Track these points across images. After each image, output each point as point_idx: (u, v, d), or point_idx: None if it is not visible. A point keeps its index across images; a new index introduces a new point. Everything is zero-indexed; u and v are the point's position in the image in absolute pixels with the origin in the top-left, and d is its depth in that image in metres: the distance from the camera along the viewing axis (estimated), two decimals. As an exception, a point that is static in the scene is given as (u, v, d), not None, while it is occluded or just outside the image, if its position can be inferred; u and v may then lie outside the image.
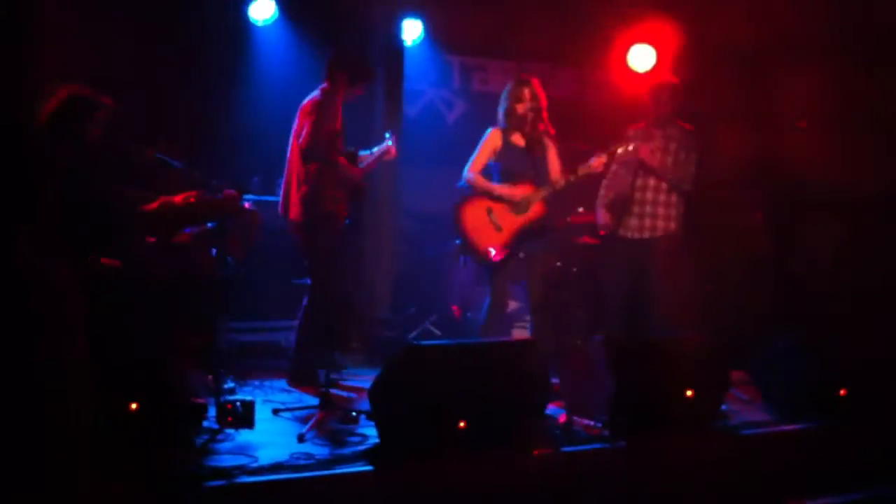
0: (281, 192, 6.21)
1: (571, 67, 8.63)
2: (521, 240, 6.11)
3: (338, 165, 5.94)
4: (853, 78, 7.28)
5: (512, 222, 6.09)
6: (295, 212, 6.05)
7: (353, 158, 6.03)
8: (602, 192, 6.77)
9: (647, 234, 6.60)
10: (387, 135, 6.41)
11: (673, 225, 6.59)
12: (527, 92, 6.13)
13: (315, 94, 6.11)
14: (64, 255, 4.89)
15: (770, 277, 7.29)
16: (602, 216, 6.74)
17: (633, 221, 6.64)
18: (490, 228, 6.08)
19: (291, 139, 6.10)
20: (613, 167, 6.65)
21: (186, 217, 5.54)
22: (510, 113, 6.17)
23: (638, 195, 6.60)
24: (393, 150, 6.37)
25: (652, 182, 6.57)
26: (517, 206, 6.08)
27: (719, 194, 7.37)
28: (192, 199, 5.43)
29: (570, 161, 6.21)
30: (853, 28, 7.34)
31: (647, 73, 7.79)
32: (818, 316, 6.48)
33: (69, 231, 5.02)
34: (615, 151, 6.21)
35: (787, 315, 6.69)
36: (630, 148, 6.25)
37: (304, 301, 6.16)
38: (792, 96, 7.41)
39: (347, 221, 6.01)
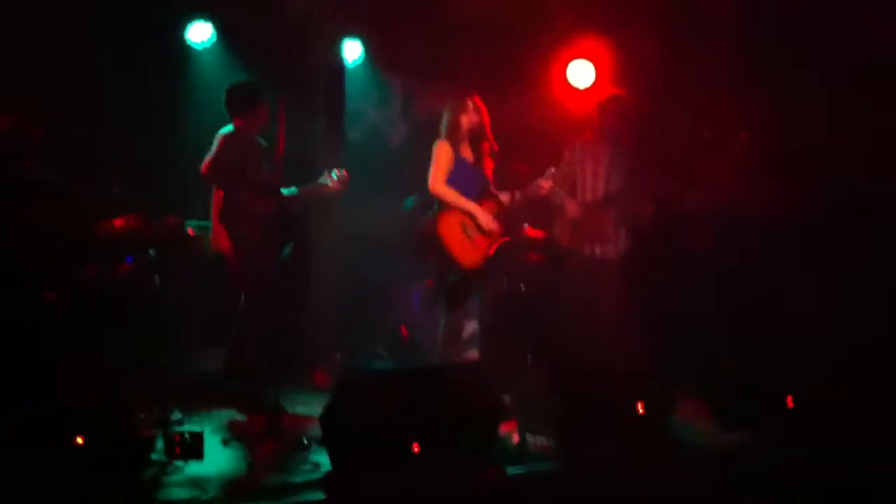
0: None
1: (512, 87, 8.64)
2: (497, 255, 6.10)
3: (237, 197, 6.01)
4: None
5: (483, 239, 6.06)
6: (214, 242, 6.08)
7: (268, 190, 6.00)
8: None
9: (601, 252, 6.59)
10: (332, 173, 6.31)
11: (624, 242, 6.60)
12: (470, 104, 6.07)
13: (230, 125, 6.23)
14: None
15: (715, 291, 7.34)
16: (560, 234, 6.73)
17: (586, 239, 6.62)
18: (467, 243, 6.02)
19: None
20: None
21: (127, 243, 5.46)
22: (455, 126, 6.08)
23: (587, 213, 6.59)
24: (337, 186, 6.28)
25: (596, 202, 6.57)
26: (488, 227, 6.05)
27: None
28: (132, 223, 5.36)
29: (513, 182, 6.20)
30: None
31: (587, 90, 7.82)
32: (762, 327, 6.54)
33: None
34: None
35: (731, 328, 6.74)
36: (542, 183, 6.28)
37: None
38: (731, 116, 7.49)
39: (284, 249, 5.99)
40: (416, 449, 4.69)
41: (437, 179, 6.02)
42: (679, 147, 7.22)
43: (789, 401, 5.78)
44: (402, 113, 8.64)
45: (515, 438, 5.33)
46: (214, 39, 7.57)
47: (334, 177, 6.24)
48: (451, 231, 6.01)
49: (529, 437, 5.36)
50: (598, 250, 6.55)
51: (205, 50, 7.61)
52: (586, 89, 7.83)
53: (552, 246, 6.75)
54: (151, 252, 5.70)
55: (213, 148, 6.13)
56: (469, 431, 4.94)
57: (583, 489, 4.96)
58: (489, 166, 6.21)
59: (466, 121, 6.09)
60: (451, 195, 6.01)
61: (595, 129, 6.65)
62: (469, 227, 6.04)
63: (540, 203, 6.51)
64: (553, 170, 6.44)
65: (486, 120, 6.13)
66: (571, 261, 6.61)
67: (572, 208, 6.49)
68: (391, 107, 8.63)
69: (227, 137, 6.15)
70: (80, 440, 4.31)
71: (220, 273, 6.42)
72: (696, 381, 6.13)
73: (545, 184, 6.28)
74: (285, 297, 6.25)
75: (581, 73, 7.94)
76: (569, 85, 7.96)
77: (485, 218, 6.03)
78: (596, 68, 7.91)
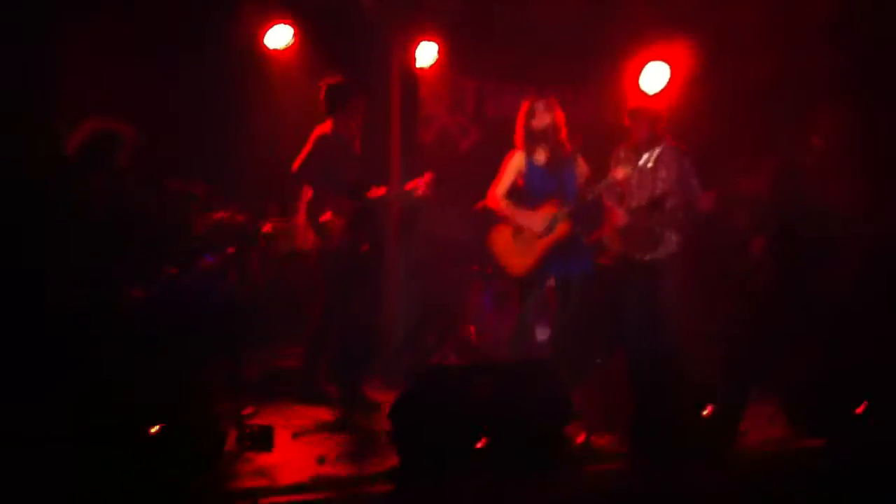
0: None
1: (587, 90, 8.65)
2: (549, 261, 6.03)
3: (325, 196, 6.07)
4: (866, 115, 7.28)
5: (537, 244, 6.02)
6: (300, 239, 6.16)
7: (355, 193, 6.10)
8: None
9: (649, 256, 6.56)
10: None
11: (674, 245, 6.55)
12: (542, 106, 6.04)
13: (323, 124, 6.28)
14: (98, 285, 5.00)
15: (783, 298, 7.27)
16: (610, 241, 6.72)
17: (636, 244, 6.60)
18: (516, 252, 6.04)
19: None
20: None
21: (219, 239, 5.62)
22: (528, 131, 6.07)
23: (635, 218, 6.57)
24: (425, 189, 6.33)
25: (647, 204, 6.54)
26: (542, 232, 6.02)
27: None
28: (229, 219, 5.50)
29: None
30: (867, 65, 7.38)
31: (659, 93, 7.79)
32: (835, 333, 6.45)
33: (106, 260, 5.11)
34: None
35: (805, 332, 6.66)
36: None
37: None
38: (805, 126, 7.43)
39: (362, 249, 6.08)
40: (481, 445, 4.74)
41: (493, 192, 6.09)
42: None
43: (862, 407, 5.70)
44: (475, 117, 8.69)
45: (580, 438, 5.35)
46: (291, 43, 7.69)
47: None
48: (501, 241, 6.07)
49: (595, 438, 5.37)
50: (648, 256, 6.53)
51: (282, 53, 7.74)
52: (658, 92, 7.80)
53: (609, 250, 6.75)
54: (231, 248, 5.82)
55: (306, 146, 6.21)
56: (535, 429, 4.97)
57: (648, 491, 4.96)
58: (573, 167, 6.15)
59: (537, 124, 6.04)
60: (504, 209, 6.06)
61: (631, 136, 6.63)
62: (523, 234, 6.03)
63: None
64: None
65: (561, 121, 6.08)
66: (627, 265, 6.60)
67: (620, 216, 6.47)
68: (463, 110, 8.67)
69: (320, 136, 6.23)
70: (154, 429, 4.43)
71: (296, 270, 6.56)
72: (767, 385, 6.07)
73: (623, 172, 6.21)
74: (364, 296, 6.34)
75: (654, 76, 7.91)
76: (640, 89, 7.94)
77: (537, 224, 5.99)
78: (671, 71, 7.87)
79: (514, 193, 6.13)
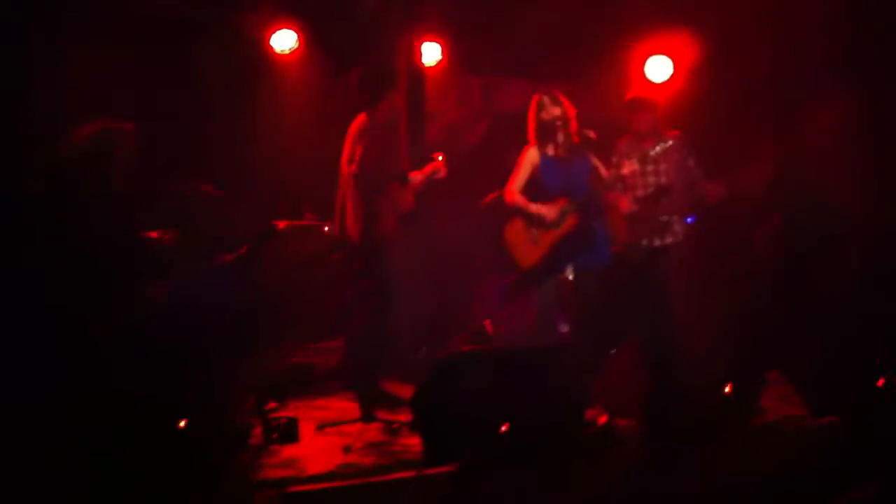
0: (335, 217, 6.20)
1: (591, 83, 8.71)
2: (559, 254, 6.10)
3: (388, 189, 5.98)
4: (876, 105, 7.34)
5: (548, 237, 6.11)
6: (354, 234, 6.09)
7: (404, 179, 6.10)
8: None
9: (658, 242, 6.62)
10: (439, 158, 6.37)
11: (681, 232, 6.61)
12: (548, 100, 6.12)
13: (361, 117, 6.09)
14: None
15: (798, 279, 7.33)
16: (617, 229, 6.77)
17: (643, 232, 6.66)
18: (528, 244, 6.12)
19: (341, 164, 6.11)
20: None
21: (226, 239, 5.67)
22: (538, 125, 6.15)
23: (642, 207, 6.63)
24: (443, 169, 6.32)
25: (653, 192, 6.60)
26: (554, 222, 6.10)
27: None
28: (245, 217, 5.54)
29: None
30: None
31: (664, 84, 7.87)
32: (849, 310, 6.50)
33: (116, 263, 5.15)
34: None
35: (816, 312, 6.71)
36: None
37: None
38: (812, 115, 7.48)
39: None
40: (503, 430, 4.80)
41: (510, 188, 6.17)
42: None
43: (880, 383, 5.75)
44: (482, 112, 8.74)
45: (600, 421, 5.40)
46: (297, 45, 7.76)
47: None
48: (515, 235, 6.17)
49: (615, 422, 5.43)
50: (657, 242, 6.59)
51: (288, 56, 7.82)
52: (664, 83, 7.88)
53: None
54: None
55: (349, 137, 6.06)
56: (556, 413, 5.03)
57: (667, 472, 5.00)
58: (585, 159, 6.21)
59: (546, 117, 6.11)
60: (520, 203, 6.13)
61: (633, 128, 6.70)
62: (534, 228, 6.12)
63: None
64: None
65: (571, 113, 6.13)
66: (636, 252, 6.66)
67: (626, 204, 6.53)
68: (470, 106, 8.73)
69: (359, 125, 6.08)
70: (182, 423, 4.49)
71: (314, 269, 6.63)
72: (782, 365, 6.12)
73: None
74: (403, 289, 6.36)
75: (657, 68, 8.00)
76: (647, 80, 8.02)
77: (550, 214, 6.08)
78: (674, 63, 7.95)
79: (529, 189, 6.19)
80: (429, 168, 6.31)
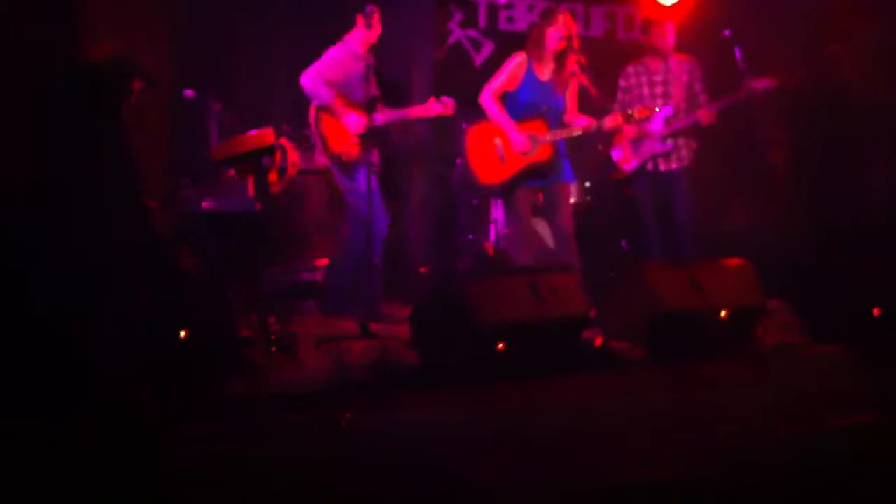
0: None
1: (600, 5, 8.57)
2: (523, 179, 5.95)
3: (331, 109, 6.00)
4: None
5: (516, 160, 5.92)
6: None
7: (365, 106, 6.03)
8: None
9: (665, 166, 6.59)
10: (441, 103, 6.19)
11: (691, 154, 6.58)
12: (560, 19, 5.88)
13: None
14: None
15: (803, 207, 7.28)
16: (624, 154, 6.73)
17: (650, 156, 6.62)
18: (494, 159, 5.95)
19: None
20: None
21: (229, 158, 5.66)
22: (539, 40, 5.93)
23: (647, 131, 6.57)
24: (441, 110, 6.16)
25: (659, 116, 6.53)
26: (524, 149, 5.89)
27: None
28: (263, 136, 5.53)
29: (587, 106, 6.14)
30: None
31: (674, 6, 7.71)
32: (850, 238, 6.48)
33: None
34: (630, 115, 5.98)
35: (819, 240, 6.69)
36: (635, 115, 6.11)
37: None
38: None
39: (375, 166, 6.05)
40: (501, 347, 4.82)
41: (488, 90, 5.94)
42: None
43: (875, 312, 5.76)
44: (488, 31, 8.58)
45: (598, 342, 5.43)
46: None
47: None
48: (481, 140, 5.99)
49: (612, 343, 5.46)
50: (663, 166, 6.55)
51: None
52: (673, 4, 7.71)
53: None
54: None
55: (320, 59, 6.08)
56: (554, 333, 5.05)
57: (665, 393, 5.03)
58: (571, 86, 6.04)
59: (553, 34, 5.87)
60: (492, 109, 5.92)
61: (644, 50, 6.66)
62: (504, 143, 5.94)
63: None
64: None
65: (574, 41, 5.91)
66: (642, 176, 6.63)
67: (631, 129, 6.47)
68: (476, 25, 8.56)
69: (333, 50, 6.10)
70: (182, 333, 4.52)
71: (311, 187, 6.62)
72: (783, 292, 6.13)
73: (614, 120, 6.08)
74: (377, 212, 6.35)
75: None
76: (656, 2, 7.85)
77: (518, 139, 5.87)
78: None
79: (505, 101, 5.98)
80: (430, 105, 6.18)
